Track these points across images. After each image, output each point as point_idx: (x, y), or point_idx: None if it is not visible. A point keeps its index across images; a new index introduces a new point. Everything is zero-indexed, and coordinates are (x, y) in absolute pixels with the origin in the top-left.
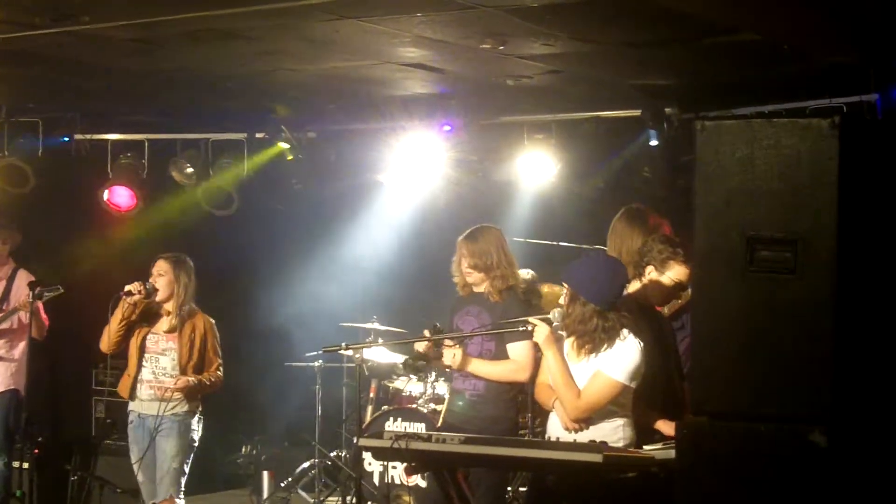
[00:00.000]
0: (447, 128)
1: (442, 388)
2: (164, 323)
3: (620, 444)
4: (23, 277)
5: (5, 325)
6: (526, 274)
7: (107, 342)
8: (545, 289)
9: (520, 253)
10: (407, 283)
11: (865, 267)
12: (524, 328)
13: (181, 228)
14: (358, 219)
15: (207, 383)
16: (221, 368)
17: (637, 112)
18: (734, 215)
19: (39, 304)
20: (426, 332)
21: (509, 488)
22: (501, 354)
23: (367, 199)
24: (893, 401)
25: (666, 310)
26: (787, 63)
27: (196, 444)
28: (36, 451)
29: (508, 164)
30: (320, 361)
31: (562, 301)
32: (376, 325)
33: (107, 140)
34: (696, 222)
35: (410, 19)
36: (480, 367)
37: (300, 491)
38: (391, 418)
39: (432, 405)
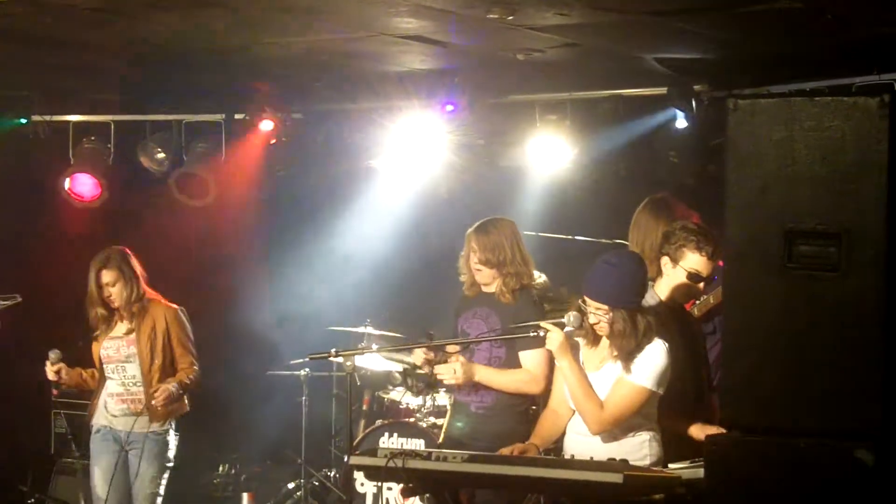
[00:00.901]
0: (449, 108)
1: (443, 399)
2: (119, 327)
3: (647, 462)
4: None
5: None
6: (538, 277)
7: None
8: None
9: (531, 248)
10: (404, 282)
11: None
12: (535, 334)
13: (151, 221)
14: (349, 210)
15: (185, 384)
16: (196, 363)
17: (662, 90)
18: (771, 205)
19: None
20: (418, 353)
21: None
22: (512, 362)
23: (359, 188)
24: None
25: (696, 311)
26: (831, 34)
27: (172, 464)
28: None
29: (518, 149)
30: (307, 370)
31: (593, 320)
32: (370, 330)
33: (68, 122)
34: (728, 213)
35: None
36: (489, 375)
37: None
38: (386, 434)
39: (432, 419)
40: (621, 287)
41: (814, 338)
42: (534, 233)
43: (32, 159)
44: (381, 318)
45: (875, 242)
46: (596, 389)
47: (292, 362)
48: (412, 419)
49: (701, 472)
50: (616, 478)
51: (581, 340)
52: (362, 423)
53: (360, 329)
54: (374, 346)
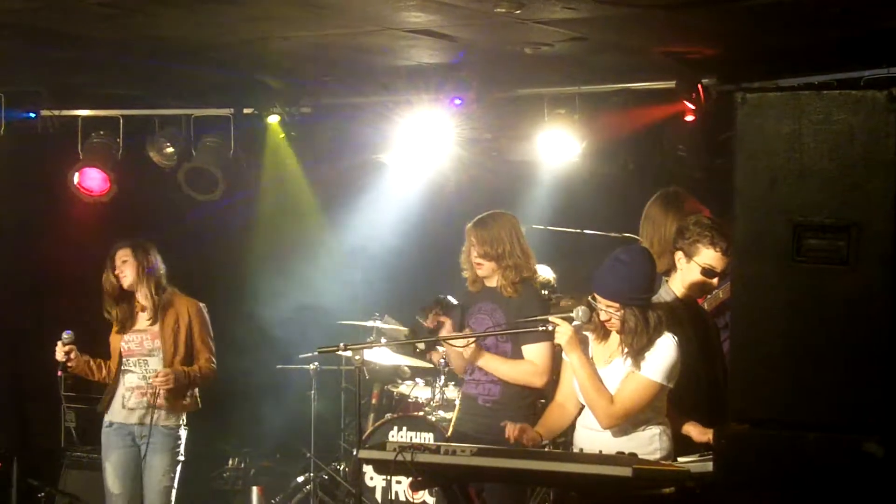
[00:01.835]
0: (457, 102)
1: (452, 393)
2: (141, 319)
3: (657, 456)
4: None
5: None
6: (545, 274)
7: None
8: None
9: (539, 242)
10: (413, 276)
11: None
12: (544, 328)
13: (160, 215)
14: (357, 204)
15: (195, 376)
16: (214, 359)
17: (671, 83)
18: (779, 199)
19: None
20: (430, 317)
21: None
22: (518, 357)
23: (367, 182)
24: None
25: (706, 306)
26: (839, 27)
27: (183, 458)
28: None
29: (526, 143)
30: (316, 364)
31: (604, 318)
32: (378, 324)
33: (77, 116)
34: (737, 207)
35: None
36: (492, 362)
37: None
38: (395, 427)
39: (441, 413)
40: (633, 284)
41: (822, 331)
42: (542, 227)
43: (41, 154)
44: (386, 319)
45: (884, 236)
46: (606, 382)
47: (301, 356)
48: (421, 413)
49: (710, 466)
50: (625, 471)
51: (590, 335)
52: (371, 417)
53: (369, 323)
54: (383, 340)
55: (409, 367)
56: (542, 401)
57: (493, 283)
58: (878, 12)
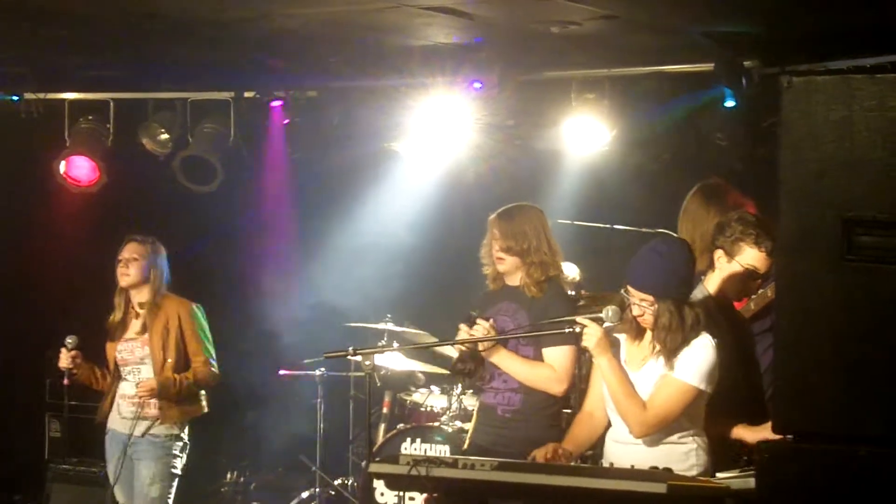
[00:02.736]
0: (477, 85)
1: (470, 402)
2: (133, 327)
3: (693, 472)
4: None
5: None
6: (569, 272)
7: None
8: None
9: (565, 238)
10: (428, 274)
11: None
12: (570, 329)
13: (152, 208)
14: (368, 196)
15: (185, 383)
16: (213, 361)
17: (709, 66)
18: (828, 192)
19: None
20: (462, 328)
21: None
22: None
23: (378, 172)
24: None
25: (752, 305)
26: (894, 4)
27: (179, 472)
28: None
29: (552, 130)
30: (322, 370)
31: (637, 312)
32: (390, 326)
33: (63, 100)
34: (782, 201)
35: None
36: (508, 361)
37: None
38: (408, 439)
39: (458, 423)
40: (668, 277)
41: (875, 336)
42: (569, 221)
43: (25, 141)
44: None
45: None
46: (638, 390)
47: (306, 361)
48: (436, 423)
49: (751, 482)
50: (659, 488)
51: (621, 337)
52: (382, 427)
53: (380, 325)
54: (395, 344)
55: (423, 373)
56: (568, 411)
57: (515, 281)
58: None
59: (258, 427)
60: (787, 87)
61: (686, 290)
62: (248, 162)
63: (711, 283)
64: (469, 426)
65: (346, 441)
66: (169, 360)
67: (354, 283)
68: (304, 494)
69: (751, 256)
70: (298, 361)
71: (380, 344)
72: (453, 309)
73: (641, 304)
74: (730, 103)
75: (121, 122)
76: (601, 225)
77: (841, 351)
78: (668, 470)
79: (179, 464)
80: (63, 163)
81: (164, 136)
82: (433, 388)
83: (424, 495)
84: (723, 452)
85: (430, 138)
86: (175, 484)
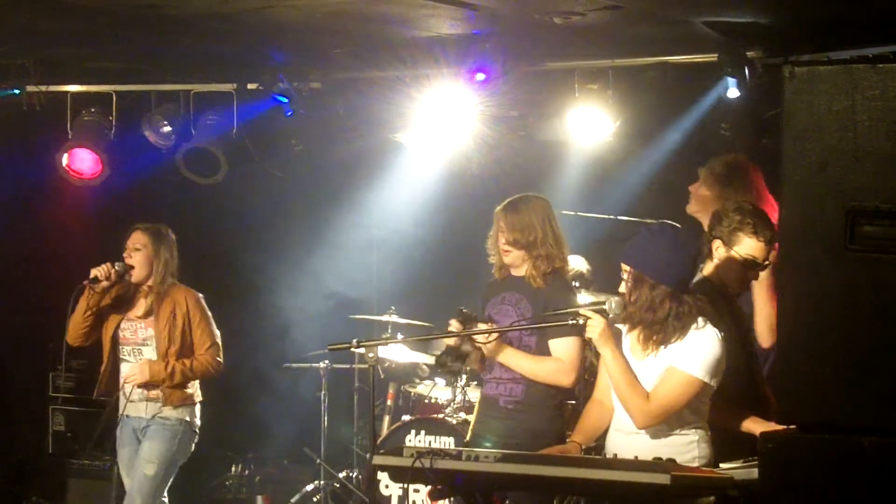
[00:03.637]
0: (481, 76)
1: (475, 394)
2: (139, 306)
3: (696, 464)
4: None
5: None
6: (578, 265)
7: (72, 334)
8: None
9: (570, 229)
10: (432, 266)
11: None
12: (574, 321)
13: (156, 200)
14: (372, 188)
15: (183, 370)
16: (217, 350)
17: (713, 56)
18: (831, 182)
19: None
20: (453, 323)
21: None
22: (543, 352)
23: (382, 164)
24: None
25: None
26: None
27: (182, 460)
28: None
29: (555, 121)
30: (326, 362)
31: (622, 289)
32: (394, 318)
33: (66, 92)
34: (785, 190)
35: None
36: (515, 358)
37: None
38: (412, 431)
39: (462, 415)
40: (650, 254)
41: (878, 326)
42: (572, 212)
43: (26, 134)
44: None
45: None
46: (642, 379)
47: (310, 354)
48: (441, 415)
49: (755, 473)
50: (663, 478)
51: (624, 327)
52: (386, 419)
53: (384, 317)
54: (399, 336)
55: (427, 365)
56: (572, 402)
57: (520, 272)
58: None
59: (263, 419)
60: (790, 77)
61: (686, 276)
62: (252, 154)
63: (710, 273)
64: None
65: (351, 433)
66: (174, 347)
67: (359, 274)
68: (309, 487)
69: (749, 246)
70: (303, 354)
71: (384, 336)
72: (457, 299)
73: (622, 275)
74: (733, 94)
75: (123, 115)
76: (605, 216)
77: (844, 341)
78: (672, 461)
79: (184, 451)
80: (66, 155)
81: (167, 129)
82: (437, 379)
83: (429, 487)
84: (729, 443)
85: (435, 129)
86: (173, 472)
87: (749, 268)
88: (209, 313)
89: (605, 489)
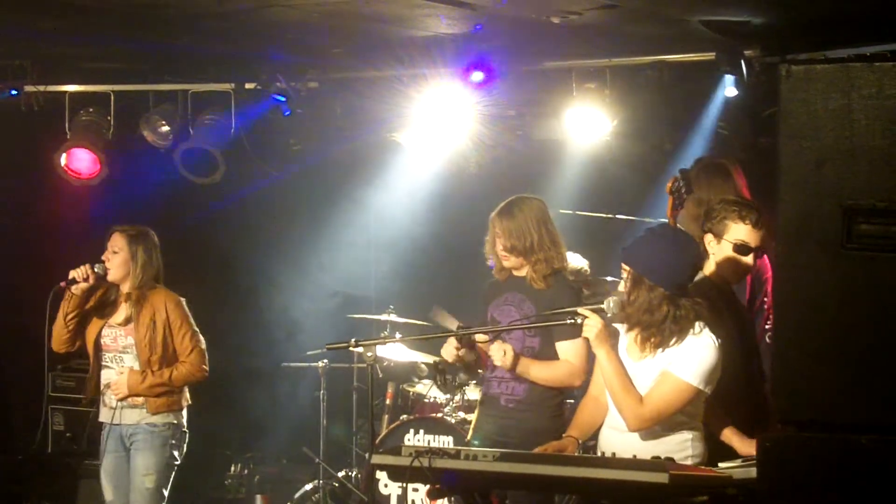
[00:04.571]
0: (479, 76)
1: (474, 393)
2: (120, 312)
3: (689, 462)
4: None
5: None
6: (578, 262)
7: (56, 340)
8: None
9: (568, 228)
10: (430, 265)
11: None
12: (572, 321)
13: (154, 200)
14: (370, 187)
15: (167, 381)
16: (201, 355)
17: (710, 55)
18: (828, 180)
19: None
20: (452, 343)
21: None
22: (547, 353)
23: (380, 163)
24: None
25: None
26: None
27: (177, 463)
28: None
29: (553, 120)
30: (325, 361)
31: (621, 288)
32: (393, 317)
33: (64, 92)
34: (781, 189)
35: None
36: (532, 369)
37: None
38: (411, 430)
39: (461, 414)
40: (650, 254)
41: (876, 324)
42: (571, 211)
43: (25, 134)
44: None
45: None
46: (637, 381)
47: (309, 353)
48: (439, 414)
49: (753, 472)
50: (661, 477)
51: (621, 327)
52: (385, 418)
53: (383, 317)
54: (398, 335)
55: (426, 364)
56: (571, 401)
57: (521, 273)
58: None
59: (262, 419)
60: (786, 75)
61: (684, 280)
62: (250, 154)
63: (708, 270)
64: (472, 417)
65: (350, 433)
66: (155, 355)
67: (357, 273)
68: (308, 486)
69: (737, 231)
70: (301, 353)
71: (382, 335)
72: (456, 298)
73: (622, 274)
74: (731, 92)
75: (121, 115)
76: (602, 215)
77: (841, 339)
78: (670, 459)
79: (177, 454)
80: (64, 155)
81: (165, 128)
82: (438, 387)
83: (427, 486)
84: (717, 447)
85: (433, 129)
86: (171, 476)
87: (742, 254)
88: (191, 318)
89: (604, 488)
